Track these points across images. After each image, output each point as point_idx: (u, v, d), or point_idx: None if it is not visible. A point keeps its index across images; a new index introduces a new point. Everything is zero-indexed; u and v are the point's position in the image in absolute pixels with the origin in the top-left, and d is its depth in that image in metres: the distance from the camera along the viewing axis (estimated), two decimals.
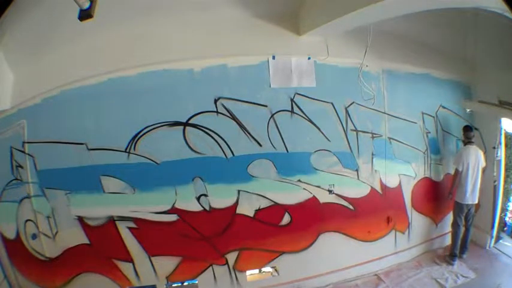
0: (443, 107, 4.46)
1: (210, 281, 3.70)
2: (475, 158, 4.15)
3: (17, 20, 2.55)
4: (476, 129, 4.65)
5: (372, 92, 3.93)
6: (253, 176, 3.67)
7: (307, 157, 3.82)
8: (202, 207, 3.58)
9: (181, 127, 3.47)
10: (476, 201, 4.23)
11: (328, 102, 3.84)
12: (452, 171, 4.37)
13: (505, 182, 4.48)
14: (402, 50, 4.09)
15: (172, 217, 3.52)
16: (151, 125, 3.39)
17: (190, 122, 3.48)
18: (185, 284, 3.63)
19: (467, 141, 4.25)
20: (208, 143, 3.52)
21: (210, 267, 3.69)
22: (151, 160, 3.42)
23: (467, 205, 4.21)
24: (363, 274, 4.11)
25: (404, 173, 4.29)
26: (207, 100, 3.51)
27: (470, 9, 3.44)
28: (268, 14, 3.55)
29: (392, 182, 4.23)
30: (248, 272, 3.83)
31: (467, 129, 4.28)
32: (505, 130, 4.38)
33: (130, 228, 3.47)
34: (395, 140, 4.17)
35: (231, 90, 3.55)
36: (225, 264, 3.72)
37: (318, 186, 3.88)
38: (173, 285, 3.62)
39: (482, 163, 4.21)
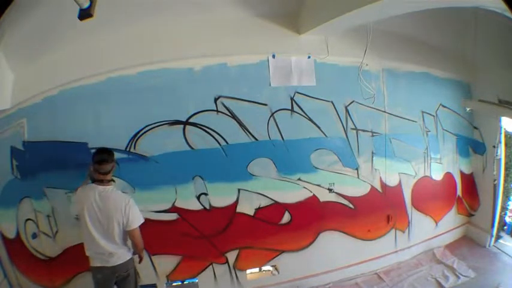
0: (443, 106, 4.46)
1: (210, 279, 3.70)
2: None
3: (17, 19, 2.54)
4: (476, 128, 4.66)
5: (371, 90, 3.93)
6: (254, 175, 3.67)
7: (307, 156, 3.82)
8: (203, 206, 3.57)
9: (181, 126, 3.46)
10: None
11: (328, 101, 3.84)
12: (452, 171, 4.34)
13: (505, 181, 4.49)
14: (402, 48, 4.09)
15: (173, 216, 3.51)
16: (151, 124, 3.38)
17: (190, 120, 3.48)
18: (185, 282, 3.62)
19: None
20: (209, 141, 3.52)
21: (210, 266, 3.69)
22: (152, 159, 3.42)
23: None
24: (363, 273, 4.11)
25: (404, 172, 4.29)
26: (207, 99, 3.50)
27: (470, 8, 3.44)
28: (268, 13, 3.55)
29: (392, 181, 4.23)
30: (248, 271, 3.83)
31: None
32: (504, 129, 4.39)
33: None
34: (396, 138, 4.18)
35: (231, 89, 3.54)
36: (225, 263, 3.72)
37: (318, 185, 3.88)
38: (173, 283, 3.61)
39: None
